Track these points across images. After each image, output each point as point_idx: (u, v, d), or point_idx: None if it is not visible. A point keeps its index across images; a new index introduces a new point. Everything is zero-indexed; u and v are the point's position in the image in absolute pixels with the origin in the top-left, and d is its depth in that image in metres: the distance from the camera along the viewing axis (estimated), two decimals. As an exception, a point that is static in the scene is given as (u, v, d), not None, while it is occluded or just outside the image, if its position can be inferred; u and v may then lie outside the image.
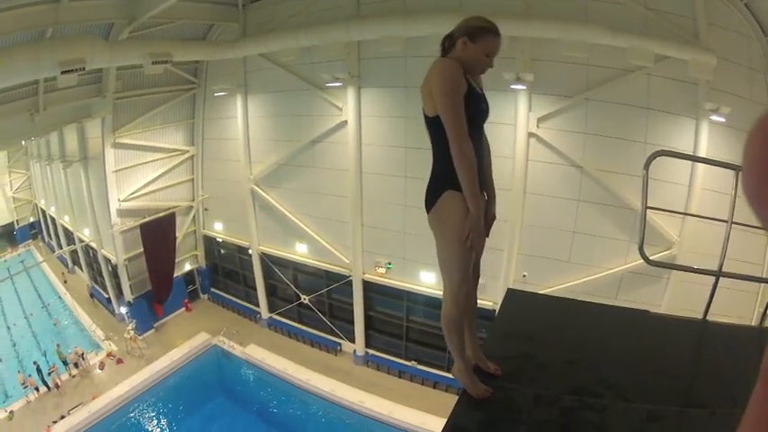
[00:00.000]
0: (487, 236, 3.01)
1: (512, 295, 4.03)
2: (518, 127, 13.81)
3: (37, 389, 20.66)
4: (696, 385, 3.05)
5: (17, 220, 38.55)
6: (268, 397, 19.71)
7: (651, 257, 12.86)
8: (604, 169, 13.17)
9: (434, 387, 18.67)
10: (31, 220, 39.25)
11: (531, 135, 13.78)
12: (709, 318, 3.77)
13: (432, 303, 17.81)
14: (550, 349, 3.34)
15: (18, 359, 23.56)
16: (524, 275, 15.32)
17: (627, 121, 12.64)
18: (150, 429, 19.90)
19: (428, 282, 17.40)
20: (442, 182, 2.87)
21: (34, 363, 21.28)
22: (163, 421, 20.11)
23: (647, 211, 3.84)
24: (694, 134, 12.09)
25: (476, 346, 3.15)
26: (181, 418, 20.03)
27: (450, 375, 18.20)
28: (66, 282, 29.83)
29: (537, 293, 3.98)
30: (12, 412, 19.80)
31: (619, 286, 14.28)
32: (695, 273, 3.94)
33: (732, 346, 3.36)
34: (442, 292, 3.10)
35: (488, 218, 3.08)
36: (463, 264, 2.91)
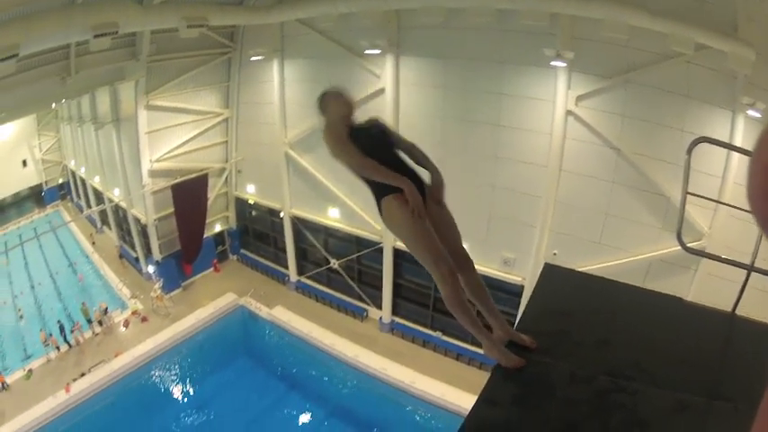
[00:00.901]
0: (442, 201, 3.34)
1: (549, 270, 4.01)
2: (556, 104, 13.64)
3: (58, 348, 20.86)
4: (723, 379, 3.02)
5: (46, 182, 38.98)
6: (292, 360, 19.86)
7: (680, 248, 12.71)
8: (640, 153, 12.97)
9: (457, 359, 18.70)
10: (60, 181, 39.64)
11: (569, 113, 13.60)
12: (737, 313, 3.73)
13: None
14: (585, 327, 3.34)
15: (41, 318, 23.86)
16: (555, 254, 15.18)
17: (664, 107, 12.40)
18: (172, 388, 20.12)
19: None
20: (376, 197, 3.34)
21: (58, 322, 21.49)
22: (185, 380, 20.33)
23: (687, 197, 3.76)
24: (730, 127, 11.84)
25: (502, 323, 3.26)
26: (203, 377, 20.25)
27: (473, 348, 18.33)
28: (94, 243, 30.11)
29: (574, 270, 3.92)
30: (30, 371, 19.98)
31: (647, 273, 14.10)
32: (728, 264, 3.89)
33: (759, 343, 3.34)
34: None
35: (435, 187, 3.35)
36: (428, 244, 3.14)
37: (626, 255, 14.05)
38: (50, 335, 21.02)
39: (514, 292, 16.69)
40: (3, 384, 19.32)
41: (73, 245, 31.87)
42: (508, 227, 16.04)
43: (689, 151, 3.52)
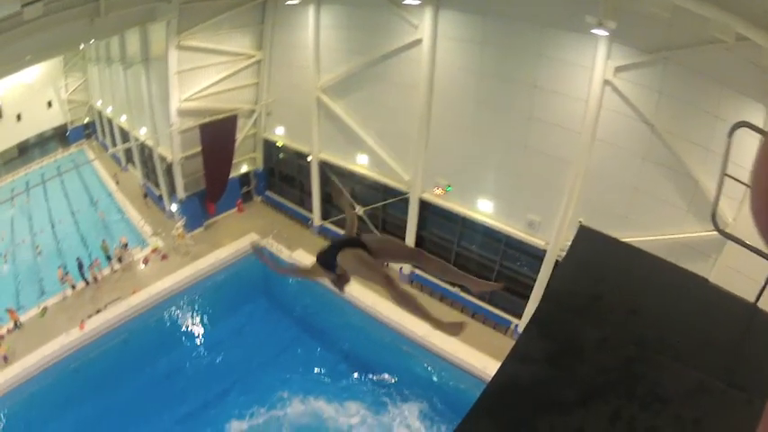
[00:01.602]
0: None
1: (584, 232, 3.94)
2: (594, 72, 13.34)
3: (73, 286, 21.08)
4: (740, 368, 2.94)
5: (71, 122, 39.13)
6: (309, 304, 19.96)
7: (703, 234, 12.34)
8: (673, 132, 12.70)
9: (473, 317, 18.73)
10: (86, 121, 39.80)
11: (606, 83, 13.32)
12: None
13: (485, 233, 17.70)
14: (616, 294, 3.33)
15: (60, 255, 24.09)
16: (580, 221, 15.01)
17: (701, 91, 12.04)
18: (188, 326, 20.33)
19: (485, 211, 17.23)
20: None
21: (77, 259, 21.64)
22: (201, 319, 20.52)
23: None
24: (763, 122, 11.57)
25: (474, 280, 4.95)
26: (220, 316, 20.45)
27: (489, 308, 18.33)
28: (117, 182, 30.31)
29: (607, 235, 3.81)
30: (45, 309, 20.23)
31: (668, 254, 13.79)
32: (758, 254, 3.78)
33: None
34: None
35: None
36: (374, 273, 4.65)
37: (650, 233, 13.83)
38: (67, 272, 21.16)
39: (536, 255, 16.61)
40: (16, 323, 19.55)
41: (96, 183, 32.11)
42: (536, 189, 15.91)
43: (730, 134, 3.54)
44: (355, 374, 17.56)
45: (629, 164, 13.76)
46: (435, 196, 18.32)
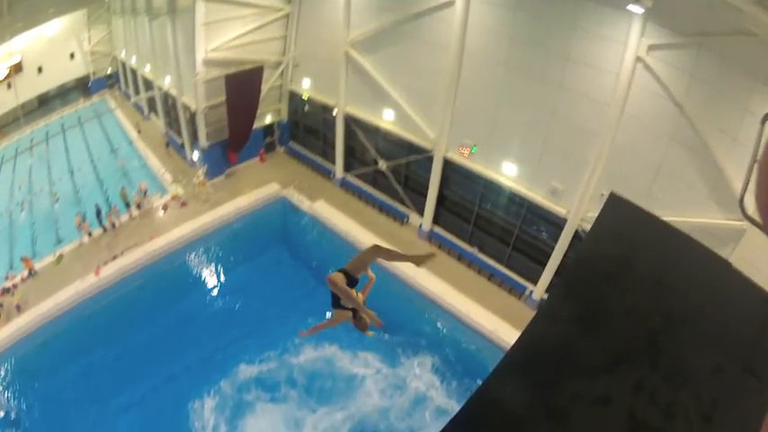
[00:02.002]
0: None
1: (615, 200, 3.92)
2: (628, 48, 13.15)
3: (90, 234, 21.17)
4: (756, 356, 2.94)
5: (93, 72, 39.20)
6: (327, 255, 20.02)
7: (722, 221, 12.14)
8: (702, 117, 12.49)
9: (489, 279, 18.79)
10: (108, 71, 39.83)
11: (638, 60, 13.13)
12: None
13: (507, 197, 17.65)
14: (645, 263, 3.30)
15: (78, 202, 24.31)
16: (603, 194, 14.91)
17: (732, 80, 11.77)
18: (204, 273, 20.51)
19: (509, 174, 17.15)
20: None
21: (95, 205, 21.78)
22: (218, 266, 20.65)
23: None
24: None
25: (408, 256, 6.18)
26: (237, 264, 20.60)
27: (506, 272, 18.34)
28: (139, 131, 30.36)
29: (636, 205, 3.76)
30: (61, 256, 20.33)
31: None
32: None
33: None
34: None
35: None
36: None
37: (671, 213, 13.55)
38: (85, 220, 21.31)
39: (556, 223, 16.57)
40: (31, 271, 19.70)
41: (117, 132, 32.13)
42: (561, 157, 15.81)
43: (763, 121, 3.42)
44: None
45: (656, 142, 13.62)
46: (460, 156, 18.25)
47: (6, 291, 19.13)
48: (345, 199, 22.05)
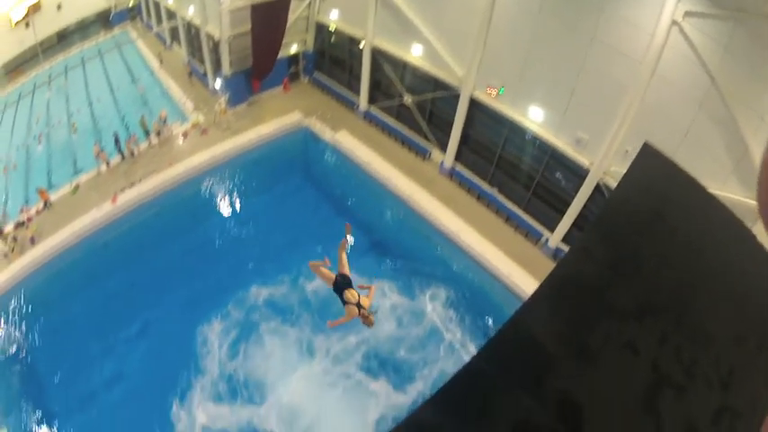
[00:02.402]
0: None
1: (649, 149, 3.71)
2: (664, 9, 12.68)
3: (107, 163, 21.09)
4: None
5: (114, 6, 38.77)
6: (346, 185, 20.06)
7: (743, 198, 11.82)
8: (733, 92, 12.12)
9: (506, 221, 18.67)
10: (131, 4, 39.36)
11: (674, 23, 12.70)
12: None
13: (532, 142, 17.42)
14: (676, 217, 3.21)
15: (96, 132, 24.22)
16: (627, 150, 14.74)
17: (764, 60, 11.44)
18: (221, 200, 20.47)
19: (535, 119, 16.88)
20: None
21: (113, 134, 21.66)
22: (236, 193, 20.60)
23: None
24: None
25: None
26: (255, 192, 20.51)
27: (524, 216, 18.24)
28: (161, 61, 30.01)
29: (670, 158, 3.57)
30: (77, 186, 20.30)
31: None
32: None
33: None
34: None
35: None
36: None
37: None
38: (103, 149, 21.21)
39: (578, 173, 16.34)
40: (46, 203, 19.69)
41: (138, 63, 31.84)
42: (589, 108, 15.48)
43: None
44: (388, 259, 17.70)
45: (686, 108, 13.28)
46: (487, 96, 18.00)
47: (21, 224, 19.21)
48: (368, 131, 21.83)
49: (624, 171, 3.18)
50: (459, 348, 15.60)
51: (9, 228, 19.28)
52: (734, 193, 12.44)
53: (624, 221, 2.96)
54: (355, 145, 20.30)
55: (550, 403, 2.16)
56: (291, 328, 15.95)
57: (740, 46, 11.82)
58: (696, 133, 13.26)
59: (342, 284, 8.53)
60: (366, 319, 8.23)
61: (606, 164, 15.28)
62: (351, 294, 8.38)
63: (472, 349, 15.46)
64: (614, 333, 2.41)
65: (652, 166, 3.62)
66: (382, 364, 15.22)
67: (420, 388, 14.74)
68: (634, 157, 3.33)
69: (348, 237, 9.67)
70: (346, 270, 8.82)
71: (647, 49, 13.30)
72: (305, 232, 18.46)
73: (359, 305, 8.26)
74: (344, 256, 9.01)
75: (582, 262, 2.68)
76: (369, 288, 8.85)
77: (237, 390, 14.72)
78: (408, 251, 17.84)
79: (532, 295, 2.41)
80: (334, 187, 20.27)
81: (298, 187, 20.22)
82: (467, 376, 2.14)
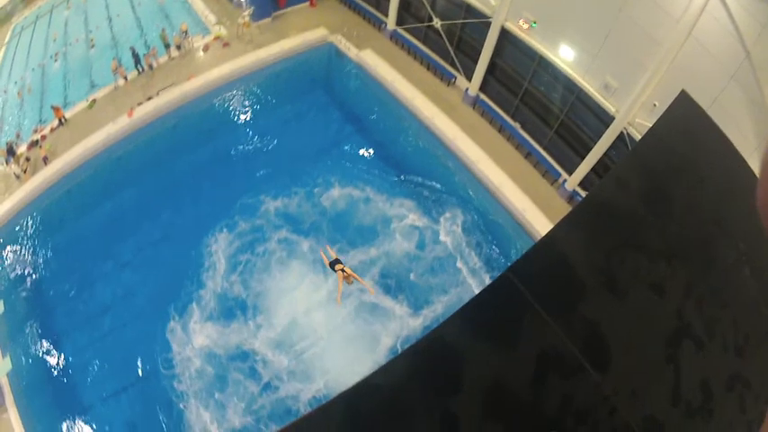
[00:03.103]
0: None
1: (685, 98, 3.50)
2: None
3: (126, 78, 20.79)
4: None
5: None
6: (367, 104, 19.81)
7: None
8: (766, 69, 11.72)
9: (526, 157, 18.41)
10: None
11: None
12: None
13: (559, 79, 17.04)
14: (706, 170, 3.09)
15: (115, 47, 23.86)
16: (655, 105, 14.49)
17: None
18: (240, 114, 20.29)
19: (565, 57, 16.45)
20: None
21: (131, 48, 21.30)
22: (255, 108, 20.37)
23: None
24: None
25: None
26: (274, 107, 20.29)
27: (544, 153, 17.96)
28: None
29: (704, 111, 3.47)
30: (94, 101, 20.06)
31: None
32: None
33: None
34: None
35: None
36: None
37: None
38: (121, 64, 20.89)
39: (603, 119, 16.03)
40: (61, 120, 19.50)
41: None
42: (621, 56, 15.09)
43: None
44: (404, 178, 17.67)
45: (717, 76, 12.88)
46: (518, 28, 17.56)
47: (34, 143, 19.03)
48: (394, 52, 21.31)
49: (650, 125, 3.02)
50: (466, 275, 15.54)
51: (22, 148, 19.18)
52: (756, 173, 12.26)
53: (658, 160, 2.83)
54: (379, 64, 19.84)
55: (578, 334, 2.11)
56: (307, 239, 16.01)
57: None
58: (724, 104, 12.90)
59: (333, 264, 13.16)
60: (347, 277, 12.76)
61: (632, 114, 15.01)
62: (338, 267, 12.93)
63: (483, 277, 15.40)
64: (643, 270, 2.35)
65: (687, 114, 3.49)
66: (385, 277, 15.38)
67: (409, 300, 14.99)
68: (662, 111, 3.07)
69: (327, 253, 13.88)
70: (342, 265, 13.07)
71: (686, 10, 12.92)
72: (324, 149, 18.37)
73: (342, 270, 12.82)
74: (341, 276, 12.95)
75: (617, 191, 2.56)
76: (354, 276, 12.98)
77: (246, 305, 14.93)
78: (428, 175, 17.73)
79: (567, 216, 2.32)
80: (355, 105, 20.00)
81: (318, 103, 19.95)
82: (496, 291, 2.08)
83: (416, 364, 1.95)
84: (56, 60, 25.90)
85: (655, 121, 3.06)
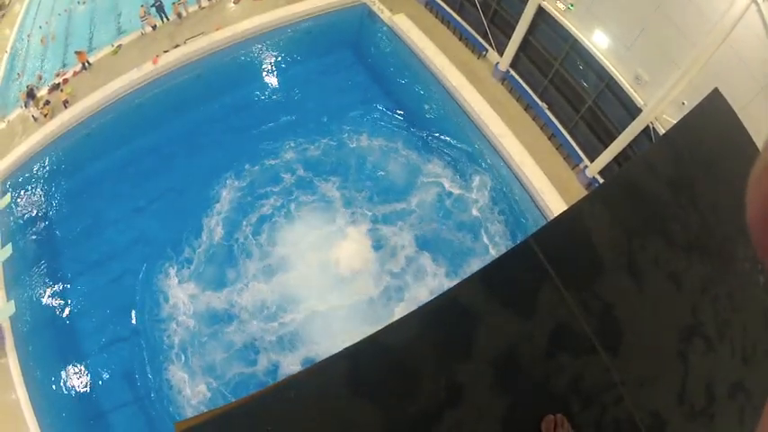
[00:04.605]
0: None
1: (716, 96, 3.42)
2: None
3: (153, 27, 20.72)
4: None
5: None
6: (394, 68, 19.67)
7: None
8: None
9: (550, 139, 18.25)
10: None
11: (753, 0, 12.04)
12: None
13: (591, 64, 16.83)
14: (734, 167, 2.79)
15: None
16: (683, 103, 14.31)
17: None
18: (266, 67, 20.23)
19: (599, 44, 16.23)
20: None
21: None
22: (281, 62, 20.30)
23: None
24: None
25: None
26: (301, 62, 20.17)
27: (569, 138, 17.78)
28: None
29: (734, 112, 3.40)
30: (119, 46, 19.98)
31: None
32: None
33: None
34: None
35: None
36: None
37: None
38: (149, 12, 20.75)
39: (630, 110, 15.85)
40: (84, 64, 19.40)
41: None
42: (655, 50, 14.85)
43: None
44: (428, 138, 17.65)
45: (748, 84, 12.63)
46: (555, 8, 17.34)
47: (56, 87, 18.89)
48: (427, 19, 21.03)
49: (676, 122, 2.88)
50: (477, 241, 15.44)
51: (43, 92, 19.08)
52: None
53: (688, 150, 2.77)
54: (411, 29, 19.61)
55: (593, 314, 2.08)
56: (335, 189, 16.11)
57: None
58: (754, 112, 12.58)
59: None
60: None
61: (660, 109, 14.84)
62: None
63: (490, 251, 15.33)
64: (663, 259, 2.33)
65: (719, 112, 3.41)
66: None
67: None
68: (688, 110, 2.95)
69: None
70: None
71: (723, 16, 12.71)
72: (347, 106, 18.25)
73: None
74: None
75: (645, 172, 2.52)
76: None
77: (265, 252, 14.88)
78: (451, 143, 17.64)
79: (595, 191, 2.37)
80: (382, 67, 19.83)
81: (345, 63, 19.78)
82: (516, 257, 2.05)
83: (427, 324, 1.89)
84: (83, 3, 25.75)
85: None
